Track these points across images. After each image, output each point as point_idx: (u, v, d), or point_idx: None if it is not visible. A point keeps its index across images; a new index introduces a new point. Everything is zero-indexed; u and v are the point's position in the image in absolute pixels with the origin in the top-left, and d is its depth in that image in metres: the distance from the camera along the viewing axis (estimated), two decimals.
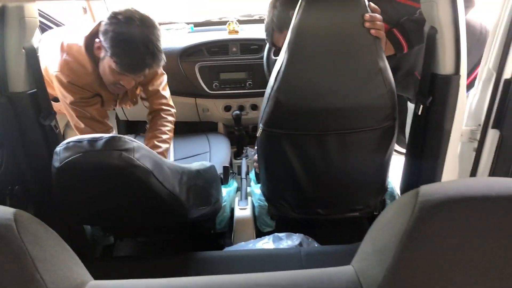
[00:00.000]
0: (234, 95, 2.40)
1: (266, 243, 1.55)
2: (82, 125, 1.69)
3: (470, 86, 1.51)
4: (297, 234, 1.59)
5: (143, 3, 1.71)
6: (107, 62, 1.53)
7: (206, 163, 1.51)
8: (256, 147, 1.68)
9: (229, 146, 2.29)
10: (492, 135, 1.38)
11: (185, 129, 2.58)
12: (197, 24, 2.68)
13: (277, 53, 2.00)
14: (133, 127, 2.69)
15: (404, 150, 1.80)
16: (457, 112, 1.36)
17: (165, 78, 1.97)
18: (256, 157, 1.78)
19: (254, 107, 2.48)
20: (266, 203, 1.75)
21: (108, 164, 1.03)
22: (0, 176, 1.30)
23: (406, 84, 1.73)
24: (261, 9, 1.79)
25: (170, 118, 1.98)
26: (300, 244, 1.53)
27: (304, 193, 1.63)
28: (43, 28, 2.13)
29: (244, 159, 2.32)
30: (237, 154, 2.52)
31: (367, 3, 1.28)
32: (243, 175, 2.07)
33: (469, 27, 1.61)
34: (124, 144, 1.05)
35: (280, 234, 1.58)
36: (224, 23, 2.51)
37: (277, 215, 1.75)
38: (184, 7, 3.01)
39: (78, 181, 1.10)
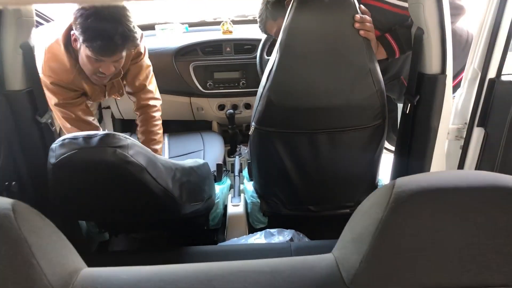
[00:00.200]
0: (228, 94, 2.44)
1: (258, 239, 1.58)
2: (68, 125, 1.71)
3: (454, 89, 1.55)
4: (288, 230, 1.62)
5: (138, 2, 1.74)
6: (83, 51, 1.54)
7: (200, 160, 1.55)
8: (249, 145, 1.71)
9: (223, 144, 2.32)
10: (478, 133, 1.42)
11: (180, 127, 2.61)
12: (192, 24, 2.70)
13: (270, 53, 2.04)
14: (128, 126, 2.71)
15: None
16: (443, 110, 1.39)
17: (150, 70, 1.97)
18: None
19: (248, 106, 2.51)
20: (258, 200, 1.78)
21: (103, 160, 1.06)
22: None
23: (391, 87, 1.76)
24: (255, 10, 1.81)
25: (158, 114, 2.01)
26: (291, 240, 1.57)
27: (296, 190, 1.66)
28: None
29: (237, 157, 2.35)
30: (231, 152, 2.56)
31: (357, 5, 1.31)
32: (236, 173, 2.10)
33: (456, 35, 1.65)
34: (118, 141, 1.08)
35: (272, 230, 1.61)
36: (218, 23, 2.54)
37: (269, 212, 1.78)
38: (179, 7, 3.03)
39: (73, 177, 1.12)
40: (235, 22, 2.56)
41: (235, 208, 1.80)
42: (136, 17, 1.57)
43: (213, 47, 2.37)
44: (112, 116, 2.65)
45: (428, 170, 1.49)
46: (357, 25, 1.30)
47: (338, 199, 1.72)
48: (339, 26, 1.30)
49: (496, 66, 1.32)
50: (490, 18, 1.28)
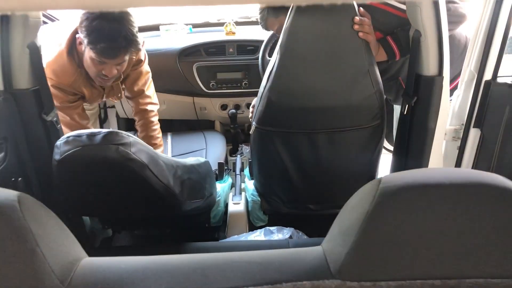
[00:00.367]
0: (230, 94, 2.47)
1: (258, 236, 1.61)
2: (63, 128, 1.76)
3: (452, 91, 1.57)
4: (287, 228, 1.65)
5: (144, 8, 1.77)
6: (87, 53, 1.59)
7: (201, 159, 1.58)
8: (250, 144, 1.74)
9: (225, 144, 2.36)
10: (474, 134, 1.45)
11: (183, 127, 2.65)
12: (195, 25, 2.74)
13: (272, 54, 2.06)
14: (132, 125, 2.75)
15: None
16: (440, 112, 1.41)
17: (150, 77, 2.04)
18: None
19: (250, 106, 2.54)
20: (259, 198, 1.80)
21: (106, 157, 1.09)
22: (4, 169, 1.36)
23: (388, 88, 1.78)
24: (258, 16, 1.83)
25: (156, 119, 2.09)
26: (291, 237, 1.59)
27: (295, 189, 1.68)
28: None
29: (238, 156, 2.39)
30: (233, 151, 2.59)
31: (356, 7, 1.34)
32: (238, 171, 2.14)
33: (455, 39, 1.67)
34: (121, 138, 1.11)
35: (271, 228, 1.64)
36: (222, 24, 2.58)
37: (269, 210, 1.81)
38: (183, 9, 3.06)
39: (77, 173, 1.16)
40: (238, 24, 2.59)
41: (236, 206, 1.83)
42: (140, 18, 1.61)
43: (216, 48, 2.41)
44: (117, 115, 2.70)
45: None
46: (356, 27, 1.32)
47: (337, 198, 1.74)
48: (339, 28, 1.33)
49: (492, 68, 1.34)
50: (486, 21, 1.31)
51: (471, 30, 1.40)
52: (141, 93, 2.01)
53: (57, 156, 1.10)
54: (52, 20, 2.31)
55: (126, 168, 1.11)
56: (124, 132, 1.13)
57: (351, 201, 0.65)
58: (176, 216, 1.55)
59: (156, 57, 2.03)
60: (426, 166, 1.51)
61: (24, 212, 0.58)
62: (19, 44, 1.35)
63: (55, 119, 1.48)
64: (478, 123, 1.42)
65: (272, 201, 1.77)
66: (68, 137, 1.11)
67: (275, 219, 1.81)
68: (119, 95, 1.97)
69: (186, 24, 2.68)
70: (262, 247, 1.45)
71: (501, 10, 1.25)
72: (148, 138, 2.04)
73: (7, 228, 0.57)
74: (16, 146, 1.43)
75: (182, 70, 2.40)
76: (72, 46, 1.65)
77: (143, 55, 1.95)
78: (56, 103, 1.68)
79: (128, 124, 2.77)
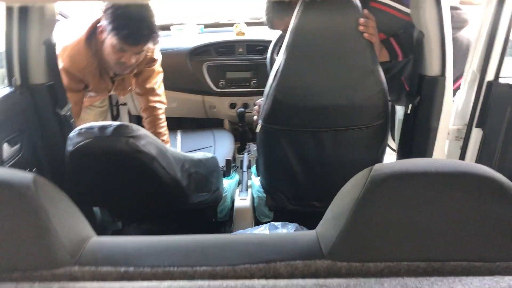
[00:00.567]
0: (239, 93, 2.51)
1: (263, 231, 1.64)
2: None
3: (455, 92, 1.59)
4: (292, 223, 1.68)
5: (158, 4, 1.83)
6: (109, 40, 1.64)
7: (208, 154, 1.62)
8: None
9: (233, 142, 2.40)
10: (476, 134, 1.47)
11: (192, 125, 2.70)
12: (207, 26, 2.79)
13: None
14: None
15: None
16: (443, 111, 1.44)
17: (161, 76, 2.12)
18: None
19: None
20: (264, 195, 1.84)
21: (116, 149, 1.14)
22: (19, 160, 1.42)
23: (390, 87, 1.80)
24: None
25: (163, 117, 2.17)
26: None
27: (300, 186, 1.71)
28: None
29: (246, 153, 2.42)
30: (240, 149, 2.63)
31: (361, 9, 1.37)
32: (245, 168, 2.17)
33: (457, 41, 1.70)
34: (131, 131, 1.16)
35: (276, 223, 1.67)
36: (232, 25, 2.62)
37: (274, 206, 1.84)
38: (195, 9, 3.12)
39: (88, 164, 1.21)
40: (248, 24, 2.63)
41: (242, 201, 1.87)
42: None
43: (226, 48, 2.46)
44: (129, 112, 2.75)
45: None
46: (361, 28, 1.35)
47: None
48: (344, 28, 1.36)
49: (494, 69, 1.36)
50: (488, 23, 1.33)
51: (474, 32, 1.42)
52: (151, 91, 2.07)
53: (70, 147, 1.16)
54: (65, 17, 2.38)
55: (135, 160, 1.16)
56: (134, 125, 1.18)
57: (344, 188, 0.69)
58: (183, 209, 1.59)
59: (167, 56, 2.08)
60: None
61: (39, 192, 0.62)
62: (35, 41, 1.41)
63: (68, 113, 1.54)
64: (480, 122, 1.44)
65: (277, 197, 1.80)
66: (81, 129, 1.16)
67: (280, 215, 1.84)
68: (129, 88, 2.02)
69: (198, 24, 2.74)
70: None
71: (502, 12, 1.27)
72: (156, 135, 2.10)
73: (23, 206, 0.62)
74: (31, 139, 1.49)
75: (192, 69, 2.45)
76: (92, 35, 1.70)
77: (157, 54, 2.01)
78: None
79: (139, 121, 2.81)
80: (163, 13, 2.83)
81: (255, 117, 1.73)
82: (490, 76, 1.38)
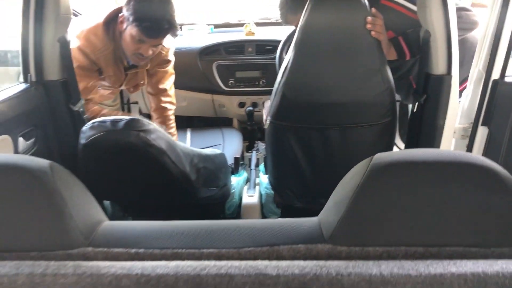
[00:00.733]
0: (248, 92, 2.55)
1: None
2: None
3: (463, 92, 1.61)
4: None
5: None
6: (128, 31, 1.68)
7: (217, 150, 1.65)
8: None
9: (242, 140, 2.43)
10: (482, 132, 1.49)
11: (202, 123, 2.73)
12: (217, 26, 2.83)
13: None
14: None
15: None
16: (449, 110, 1.46)
17: (173, 78, 2.17)
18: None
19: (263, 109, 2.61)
20: (272, 192, 1.86)
21: (127, 142, 1.17)
22: (34, 153, 1.46)
23: (399, 86, 1.82)
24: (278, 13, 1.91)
25: (173, 118, 2.22)
26: None
27: (307, 183, 1.73)
28: None
29: (254, 152, 2.45)
30: (249, 147, 2.66)
31: (368, 7, 1.39)
32: (253, 166, 2.20)
33: (467, 42, 1.71)
34: (142, 125, 1.19)
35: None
36: (242, 25, 2.66)
37: (282, 204, 1.86)
38: (206, 9, 3.17)
39: (100, 156, 1.24)
40: (258, 24, 2.67)
41: (250, 198, 1.89)
42: None
43: (235, 47, 2.49)
44: (140, 111, 2.80)
45: None
46: (368, 26, 1.37)
47: None
48: (352, 26, 1.38)
49: (500, 68, 1.38)
50: (493, 23, 1.35)
51: (480, 32, 1.44)
52: (163, 91, 2.12)
53: (83, 140, 1.19)
54: (75, 15, 2.43)
55: (145, 154, 1.19)
56: (145, 119, 1.21)
57: (346, 177, 0.72)
58: (192, 204, 1.62)
59: (178, 55, 2.12)
60: None
61: (55, 177, 0.66)
62: (50, 38, 1.45)
63: (81, 109, 1.58)
64: (486, 121, 1.46)
65: (285, 194, 1.82)
66: (94, 123, 1.19)
67: (288, 213, 1.86)
68: (142, 82, 2.07)
69: (208, 24, 2.78)
70: None
71: (507, 12, 1.29)
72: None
73: (40, 190, 0.65)
74: (45, 133, 1.53)
75: (202, 68, 2.48)
76: (110, 22, 1.74)
77: (171, 56, 2.06)
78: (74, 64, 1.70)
79: (149, 120, 2.86)
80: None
81: (264, 116, 1.76)
82: (495, 75, 1.40)
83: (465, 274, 0.56)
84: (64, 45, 1.47)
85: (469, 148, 1.53)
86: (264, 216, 1.90)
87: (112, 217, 1.81)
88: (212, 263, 0.59)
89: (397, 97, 1.91)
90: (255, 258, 0.62)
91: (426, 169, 0.63)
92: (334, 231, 0.64)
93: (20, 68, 1.54)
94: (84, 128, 1.21)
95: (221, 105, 2.65)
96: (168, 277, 0.57)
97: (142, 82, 2.07)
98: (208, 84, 2.53)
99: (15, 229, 0.65)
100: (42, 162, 0.68)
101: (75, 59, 1.72)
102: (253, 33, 2.56)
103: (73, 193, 0.69)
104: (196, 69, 2.48)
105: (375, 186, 0.64)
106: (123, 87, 2.08)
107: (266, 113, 1.73)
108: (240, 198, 1.95)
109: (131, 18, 1.63)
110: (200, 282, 0.57)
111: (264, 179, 1.94)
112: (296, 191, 1.79)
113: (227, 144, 2.33)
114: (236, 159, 2.02)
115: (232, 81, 2.51)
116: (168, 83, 2.13)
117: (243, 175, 2.08)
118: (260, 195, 1.94)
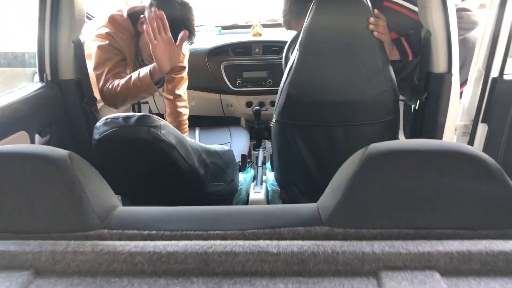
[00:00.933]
0: (255, 92, 2.60)
1: None
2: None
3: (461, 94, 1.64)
4: None
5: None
6: None
7: (225, 147, 1.70)
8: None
9: (249, 139, 2.48)
10: (482, 129, 1.52)
11: (210, 122, 2.79)
12: (224, 27, 2.89)
13: None
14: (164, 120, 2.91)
15: None
16: (450, 108, 1.49)
17: (187, 83, 2.23)
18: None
19: (273, 104, 2.65)
20: (278, 188, 1.90)
21: (138, 137, 1.22)
22: None
23: (403, 87, 1.85)
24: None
25: (186, 122, 2.27)
26: None
27: (313, 180, 1.76)
28: None
29: (261, 149, 2.50)
30: (256, 146, 2.71)
31: (371, 8, 1.43)
32: (260, 164, 2.25)
33: (468, 42, 1.74)
34: (152, 121, 1.24)
35: None
36: (249, 26, 2.72)
37: (288, 200, 1.90)
38: (214, 11, 3.23)
39: (112, 152, 1.30)
40: (265, 26, 2.72)
41: (257, 194, 1.94)
42: None
43: (243, 48, 2.55)
44: (150, 110, 2.86)
45: None
46: (371, 26, 1.41)
47: None
48: (355, 27, 1.42)
49: (499, 66, 1.41)
50: (492, 22, 1.39)
51: (479, 31, 1.48)
52: (179, 96, 2.19)
53: (96, 136, 1.25)
54: (89, 19, 2.50)
55: (156, 148, 1.24)
56: (155, 116, 1.27)
57: (344, 165, 0.77)
58: (200, 199, 1.68)
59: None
60: None
61: (74, 165, 0.72)
62: (65, 39, 1.51)
63: (95, 108, 1.64)
64: (485, 118, 1.49)
65: (290, 191, 1.85)
66: (107, 119, 1.25)
67: None
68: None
69: (216, 26, 2.84)
70: None
71: (505, 11, 1.33)
72: None
73: (60, 177, 0.71)
74: (59, 131, 1.60)
75: (210, 68, 2.54)
76: (132, 17, 1.77)
77: (186, 62, 2.13)
78: (103, 42, 1.69)
79: None
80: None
81: None
82: (494, 73, 1.43)
83: (451, 252, 0.61)
84: (78, 46, 1.54)
85: (469, 144, 1.56)
86: None
87: None
88: (218, 242, 0.65)
89: (401, 96, 1.95)
90: (257, 239, 0.68)
91: (417, 158, 0.68)
92: (331, 215, 0.69)
93: (36, 69, 1.61)
94: (98, 124, 1.26)
95: (229, 105, 2.71)
96: (178, 254, 0.63)
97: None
98: (216, 84, 2.59)
99: (37, 212, 0.71)
100: (62, 152, 0.73)
101: (100, 41, 1.69)
102: (260, 34, 2.62)
103: (90, 181, 0.75)
104: (205, 69, 2.54)
105: (370, 173, 0.69)
106: None
107: None
108: (247, 194, 1.99)
109: None
110: (207, 258, 0.62)
111: (270, 176, 1.98)
112: (301, 187, 1.82)
113: (235, 142, 2.38)
114: (243, 156, 2.07)
115: (240, 81, 2.57)
116: (183, 89, 2.20)
117: (250, 172, 2.12)
118: (267, 191, 1.98)
